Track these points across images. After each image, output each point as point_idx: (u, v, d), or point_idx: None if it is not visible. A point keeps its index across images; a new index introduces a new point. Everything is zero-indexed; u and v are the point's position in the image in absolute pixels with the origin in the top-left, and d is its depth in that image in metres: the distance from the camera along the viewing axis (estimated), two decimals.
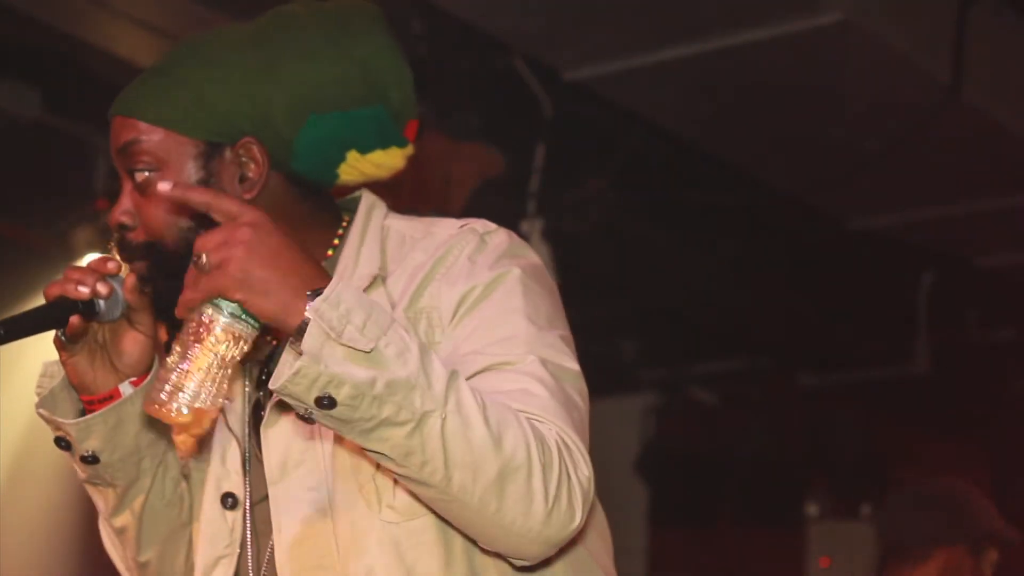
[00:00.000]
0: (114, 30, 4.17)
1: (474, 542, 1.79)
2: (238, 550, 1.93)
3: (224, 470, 1.96)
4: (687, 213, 5.40)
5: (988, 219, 5.80)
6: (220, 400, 1.65)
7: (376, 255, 1.88)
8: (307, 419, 1.63)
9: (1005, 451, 6.38)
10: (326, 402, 1.59)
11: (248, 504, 1.93)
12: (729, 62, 4.57)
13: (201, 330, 1.63)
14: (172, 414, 1.63)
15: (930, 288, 6.29)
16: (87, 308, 1.81)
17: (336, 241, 1.91)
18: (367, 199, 1.95)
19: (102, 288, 1.81)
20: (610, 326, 6.33)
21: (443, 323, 1.80)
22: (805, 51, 4.49)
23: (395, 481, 1.79)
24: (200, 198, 1.67)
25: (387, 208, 1.96)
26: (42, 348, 1.93)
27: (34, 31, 4.13)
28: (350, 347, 1.59)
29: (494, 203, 4.65)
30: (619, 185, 5.00)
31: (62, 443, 1.95)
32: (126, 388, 1.92)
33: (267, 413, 1.87)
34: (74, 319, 1.81)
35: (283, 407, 1.86)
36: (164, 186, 1.69)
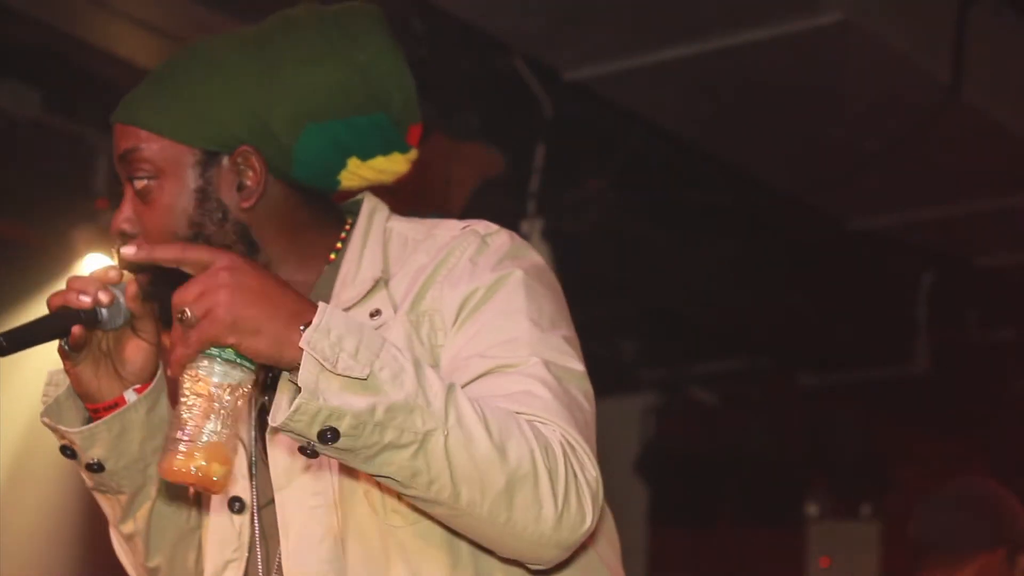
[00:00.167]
0: (114, 30, 4.17)
1: (480, 546, 1.79)
2: (246, 554, 1.94)
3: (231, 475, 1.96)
4: (687, 213, 5.40)
5: (988, 219, 5.80)
6: (235, 452, 1.66)
7: (379, 258, 1.88)
8: (310, 453, 1.62)
9: (1005, 451, 6.37)
10: (329, 436, 1.58)
11: (255, 508, 1.94)
12: (729, 62, 4.57)
13: (200, 385, 1.62)
14: (193, 475, 1.62)
15: (930, 288, 6.29)
16: (89, 317, 1.82)
17: (339, 245, 1.90)
18: (369, 202, 1.95)
19: (104, 297, 1.82)
20: (610, 326, 6.33)
21: (446, 326, 1.80)
22: (805, 51, 4.49)
23: None
24: (167, 255, 1.68)
25: (389, 210, 1.96)
26: (43, 349, 1.93)
27: (34, 31, 4.13)
28: (346, 376, 1.58)
29: (494, 203, 4.65)
30: (619, 185, 5.00)
31: (67, 452, 1.95)
32: (130, 395, 1.92)
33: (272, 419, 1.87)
34: (76, 329, 1.81)
35: None
36: (128, 251, 1.70)
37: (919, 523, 3.60)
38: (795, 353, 6.63)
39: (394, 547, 1.79)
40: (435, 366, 1.76)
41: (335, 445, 1.59)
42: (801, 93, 4.82)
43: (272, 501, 1.89)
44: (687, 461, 7.04)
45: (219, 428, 1.62)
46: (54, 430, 1.94)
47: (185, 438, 1.62)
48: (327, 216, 1.92)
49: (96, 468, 1.94)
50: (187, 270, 1.65)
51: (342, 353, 1.58)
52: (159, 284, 1.84)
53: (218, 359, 1.61)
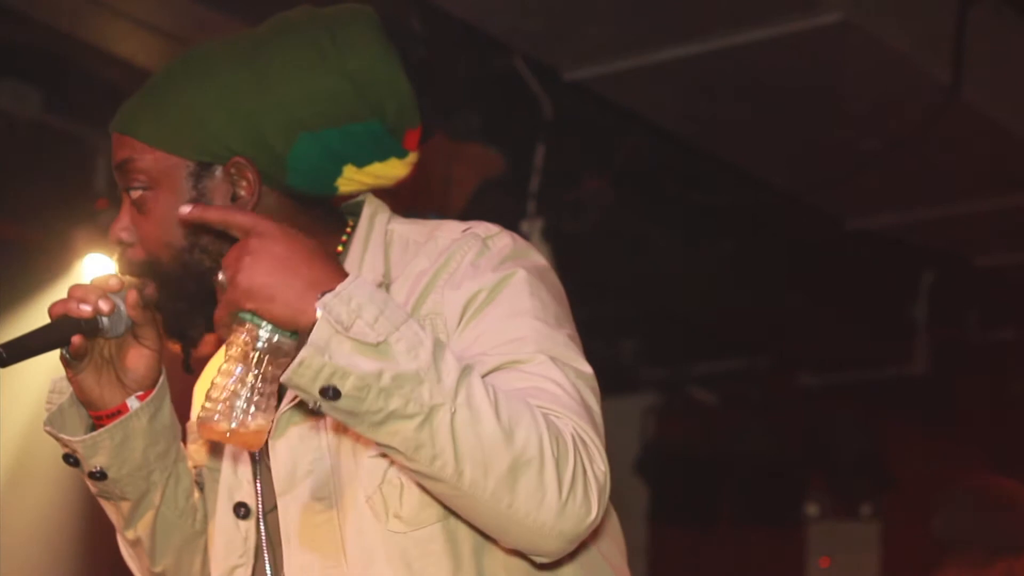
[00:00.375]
0: (114, 30, 4.17)
1: (482, 550, 1.79)
2: (252, 559, 1.94)
3: (236, 480, 1.96)
4: (687, 213, 5.41)
5: (988, 219, 5.80)
6: (271, 413, 1.68)
7: (380, 262, 1.88)
8: (316, 412, 1.63)
9: (1005, 451, 6.37)
10: (331, 393, 1.59)
11: (260, 513, 1.94)
12: (729, 62, 4.56)
13: (240, 348, 1.65)
14: (227, 434, 1.66)
15: (930, 288, 6.29)
16: (90, 326, 1.82)
17: (340, 248, 1.91)
18: (370, 204, 1.95)
19: (104, 305, 1.83)
20: (610, 326, 6.33)
21: (448, 328, 1.79)
22: (805, 51, 4.49)
23: (401, 491, 1.79)
24: (215, 216, 1.70)
25: (390, 212, 1.96)
26: None
27: (34, 31, 4.13)
28: (358, 340, 1.59)
29: (494, 203, 4.65)
30: (619, 185, 5.00)
31: (70, 460, 1.96)
32: (133, 403, 1.93)
33: (275, 424, 1.87)
34: (77, 338, 1.82)
35: (291, 418, 1.86)
36: (184, 210, 1.72)
37: (945, 519, 3.58)
38: (795, 353, 6.63)
39: (396, 552, 1.79)
40: None
41: (338, 405, 1.60)
42: (801, 93, 4.82)
43: (277, 507, 1.89)
44: (687, 461, 7.04)
45: (255, 390, 1.65)
46: (56, 439, 1.95)
47: (223, 398, 1.65)
48: (326, 220, 1.92)
49: (99, 476, 1.95)
50: (232, 233, 1.69)
51: (359, 320, 1.60)
52: (159, 292, 1.85)
53: (256, 324, 1.64)
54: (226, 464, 1.98)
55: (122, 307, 1.85)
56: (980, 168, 5.36)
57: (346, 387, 1.59)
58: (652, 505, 7.11)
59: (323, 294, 1.61)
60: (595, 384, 1.80)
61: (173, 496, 2.02)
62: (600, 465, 1.69)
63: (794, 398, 6.99)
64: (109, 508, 2.04)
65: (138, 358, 1.91)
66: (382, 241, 1.90)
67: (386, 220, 1.93)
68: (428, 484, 1.67)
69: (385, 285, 1.86)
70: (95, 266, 4.40)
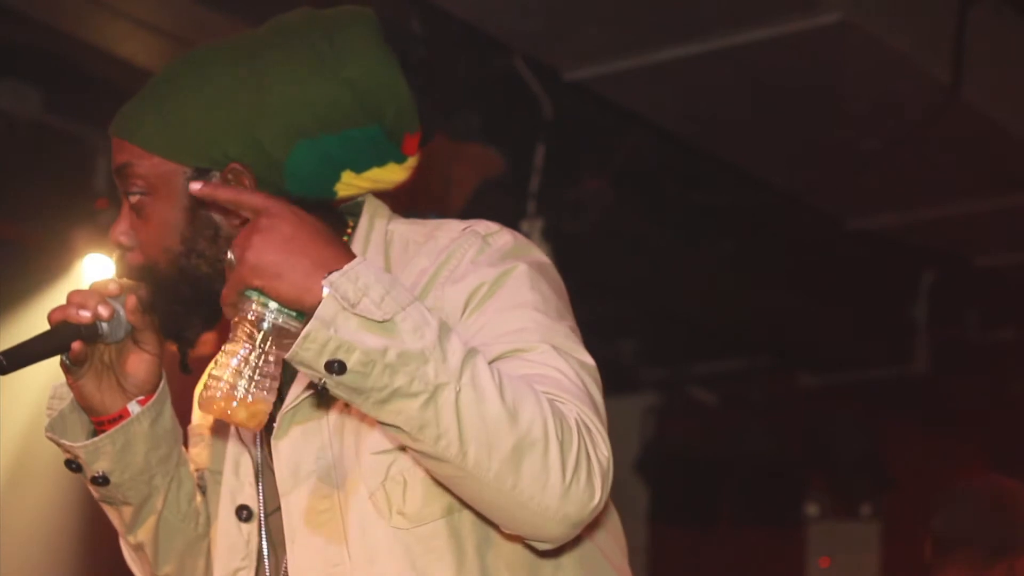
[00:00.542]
0: (114, 30, 4.17)
1: (486, 546, 1.79)
2: (255, 562, 1.94)
3: (238, 482, 1.96)
4: (687, 213, 5.41)
5: (988, 219, 5.80)
6: (272, 394, 1.67)
7: (380, 262, 1.88)
8: (322, 390, 1.63)
9: (1005, 451, 6.37)
10: (336, 367, 1.59)
11: (262, 516, 1.94)
12: (729, 62, 4.56)
13: (245, 327, 1.65)
14: (228, 412, 1.66)
15: (930, 288, 6.29)
16: (89, 332, 1.82)
17: None
18: (370, 205, 1.94)
19: (103, 311, 1.83)
20: (610, 326, 6.33)
21: (450, 324, 1.79)
22: (805, 51, 4.49)
23: (405, 488, 1.79)
24: (225, 196, 1.70)
25: (390, 212, 1.96)
26: None
27: (34, 31, 4.13)
28: (364, 317, 1.59)
29: (494, 203, 4.65)
30: (619, 185, 5.00)
31: (72, 465, 1.97)
32: (134, 408, 1.93)
33: (278, 424, 1.87)
34: (76, 344, 1.82)
35: (293, 418, 1.86)
36: (195, 186, 1.71)
37: (945, 519, 3.55)
38: (795, 353, 6.63)
39: (400, 550, 1.79)
40: None
41: (343, 380, 1.59)
42: (801, 93, 4.82)
43: (279, 509, 1.89)
44: (687, 461, 7.04)
45: (259, 369, 1.66)
46: (58, 445, 1.95)
47: (226, 376, 1.65)
48: (326, 222, 1.92)
49: (101, 481, 1.95)
50: (244, 214, 1.70)
51: (365, 298, 1.60)
52: (158, 296, 1.85)
53: (262, 303, 1.65)
54: (228, 467, 1.98)
55: (121, 312, 1.85)
56: (980, 168, 5.36)
57: (351, 362, 1.59)
58: (652, 505, 7.11)
59: (330, 273, 1.61)
60: (597, 375, 1.80)
61: (175, 500, 2.02)
62: (604, 450, 1.68)
63: (794, 398, 6.99)
64: (112, 513, 2.04)
65: (138, 363, 1.91)
66: (382, 241, 1.90)
67: (386, 221, 1.93)
68: (432, 465, 1.67)
69: None
70: (95, 266, 4.40)
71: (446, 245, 1.84)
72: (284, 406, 1.87)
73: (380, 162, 1.89)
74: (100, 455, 1.93)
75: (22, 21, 4.07)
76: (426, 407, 1.60)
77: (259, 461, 1.94)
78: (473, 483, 1.65)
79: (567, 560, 1.84)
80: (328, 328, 1.58)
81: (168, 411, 1.98)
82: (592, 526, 1.88)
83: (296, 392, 1.86)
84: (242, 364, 1.66)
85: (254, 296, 1.64)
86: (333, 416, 1.85)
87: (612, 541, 1.93)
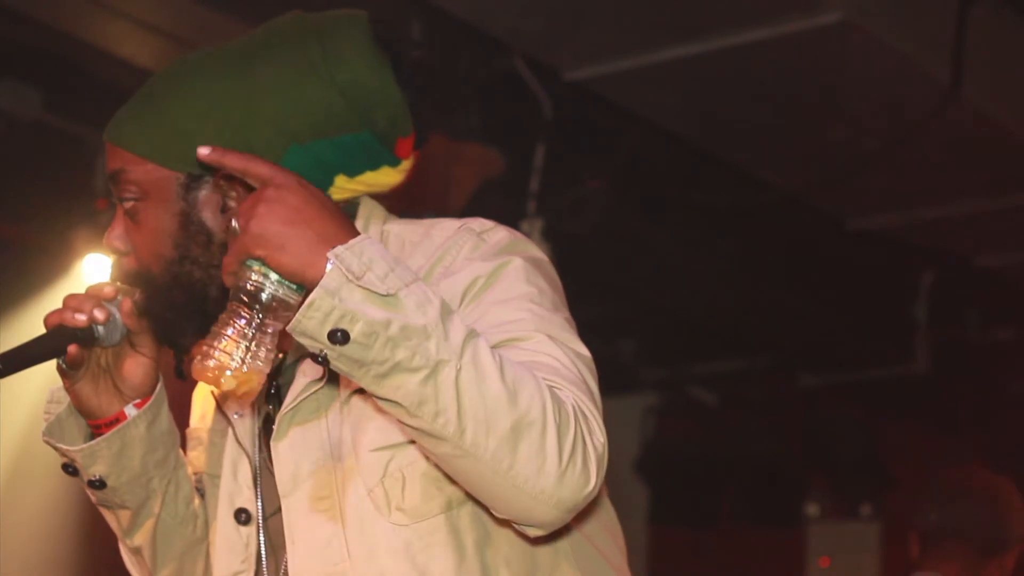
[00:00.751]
0: (114, 30, 4.17)
1: (485, 543, 1.79)
2: (254, 565, 1.95)
3: (236, 485, 1.96)
4: (687, 213, 5.40)
5: (988, 219, 5.80)
6: (267, 366, 1.67)
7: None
8: (322, 361, 1.62)
9: (1004, 451, 6.37)
10: (339, 336, 1.58)
11: (261, 519, 1.94)
12: (729, 62, 4.57)
13: (243, 296, 1.65)
14: (222, 381, 1.65)
15: (930, 288, 6.29)
16: (85, 335, 1.83)
17: None
18: (365, 207, 1.94)
19: (99, 314, 1.83)
20: (610, 326, 6.33)
21: None
22: (805, 51, 4.49)
23: (403, 484, 1.79)
24: (234, 163, 1.69)
25: (385, 212, 1.96)
26: None
27: (34, 31, 4.13)
28: (369, 290, 1.59)
29: (494, 203, 4.65)
30: (619, 185, 5.00)
31: (69, 469, 1.97)
32: (131, 411, 1.93)
33: (277, 426, 1.87)
34: (73, 348, 1.82)
35: (292, 419, 1.86)
36: (203, 151, 1.70)
37: (936, 513, 3.52)
38: (795, 353, 6.63)
39: (400, 546, 1.79)
40: None
41: (344, 351, 1.59)
42: (801, 93, 4.82)
43: (278, 511, 1.89)
44: (687, 461, 7.03)
45: (254, 340, 1.65)
46: (55, 449, 1.95)
47: (221, 344, 1.65)
48: None
49: (98, 485, 1.95)
50: (250, 182, 1.69)
51: (369, 272, 1.61)
52: (152, 302, 1.85)
53: (266, 275, 1.64)
54: (226, 470, 1.99)
55: (117, 315, 1.85)
56: (980, 168, 5.36)
57: (355, 332, 1.58)
58: (652, 505, 7.11)
59: (335, 247, 1.61)
60: (593, 366, 1.80)
61: (173, 503, 2.02)
62: (599, 436, 1.69)
63: (794, 398, 6.98)
64: (110, 517, 2.04)
65: (135, 366, 1.92)
66: (392, 254, 1.90)
67: (381, 221, 1.93)
68: (428, 443, 1.66)
69: None
70: (95, 266, 4.40)
71: (441, 243, 1.85)
72: (283, 408, 1.87)
73: (373, 166, 1.89)
74: (97, 459, 1.93)
75: (22, 21, 4.07)
76: (426, 383, 1.60)
77: (257, 464, 1.94)
78: (469, 462, 1.64)
79: (564, 558, 1.84)
80: (333, 297, 1.58)
81: (165, 414, 1.98)
82: (590, 524, 1.89)
83: (295, 393, 1.86)
84: (238, 334, 1.65)
85: (255, 266, 1.64)
86: (332, 416, 1.85)
87: (610, 539, 1.93)
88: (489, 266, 1.81)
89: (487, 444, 1.62)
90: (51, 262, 4.47)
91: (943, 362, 6.40)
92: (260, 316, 1.65)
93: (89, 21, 4.13)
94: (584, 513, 1.88)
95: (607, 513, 1.95)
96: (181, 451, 2.05)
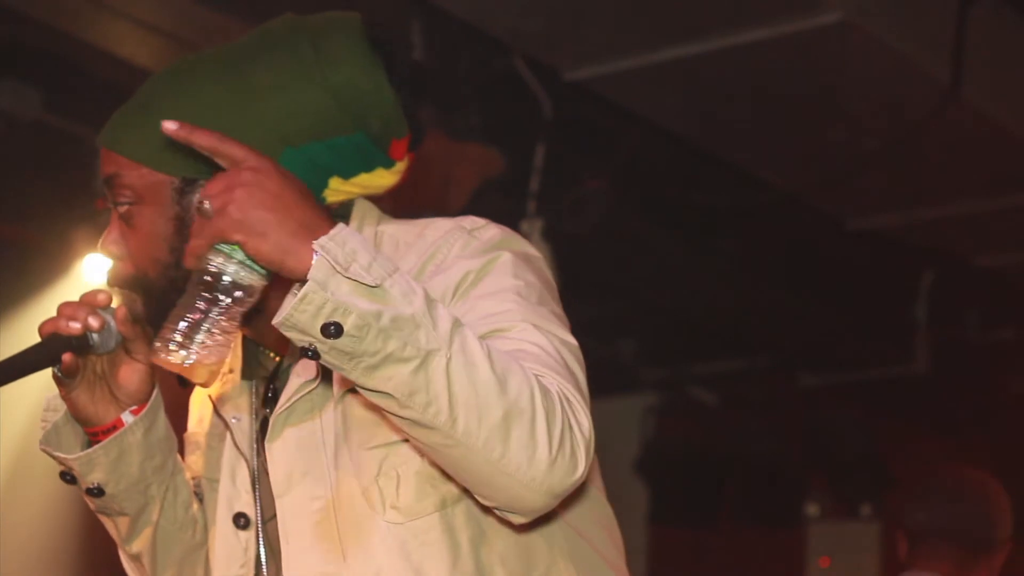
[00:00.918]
0: (114, 30, 4.17)
1: (480, 541, 1.79)
2: (253, 569, 1.95)
3: (235, 490, 1.96)
4: (687, 213, 5.41)
5: (988, 219, 5.81)
6: (227, 352, 1.64)
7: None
8: (312, 355, 1.60)
9: (1005, 451, 6.37)
10: (332, 329, 1.56)
11: (260, 523, 1.94)
12: (729, 62, 4.57)
13: (208, 279, 1.61)
14: (183, 364, 1.61)
15: (930, 288, 6.29)
16: (80, 343, 1.82)
17: None
18: (359, 208, 1.94)
19: (94, 322, 1.82)
20: (610, 326, 6.33)
21: None
22: (805, 51, 4.49)
23: (398, 482, 1.79)
24: (204, 141, 1.64)
25: (380, 213, 1.96)
26: None
27: (34, 31, 4.13)
28: (356, 281, 1.57)
29: (494, 203, 4.65)
30: (619, 185, 5.00)
31: (67, 477, 1.97)
32: (128, 418, 1.93)
33: (271, 427, 1.87)
34: (67, 356, 1.82)
35: (287, 420, 1.86)
36: (170, 126, 1.65)
37: (925, 512, 3.51)
38: (795, 353, 6.63)
39: (394, 544, 1.79)
40: None
41: (337, 344, 1.57)
42: (801, 93, 4.82)
43: (276, 515, 1.89)
44: (687, 461, 7.03)
45: (217, 324, 1.61)
46: (53, 457, 1.95)
47: (182, 328, 1.61)
48: None
49: (96, 492, 1.95)
50: (220, 163, 1.65)
51: (354, 263, 1.58)
52: (148, 306, 1.85)
53: (230, 257, 1.60)
54: (224, 475, 1.98)
55: (112, 323, 1.85)
56: (980, 168, 5.36)
57: (348, 324, 1.56)
58: (652, 505, 7.11)
59: (318, 236, 1.58)
60: (580, 355, 1.80)
61: (172, 508, 2.02)
62: (585, 422, 1.68)
63: (794, 398, 6.98)
64: (108, 524, 2.04)
65: (130, 373, 1.91)
66: (372, 243, 1.90)
67: (375, 222, 1.93)
68: (419, 433, 1.65)
69: None
70: (95, 266, 4.40)
71: (433, 241, 1.85)
72: (277, 408, 1.87)
73: (368, 168, 1.89)
74: (94, 466, 1.93)
75: (22, 21, 4.07)
76: (417, 373, 1.59)
77: (255, 468, 1.94)
78: (460, 451, 1.63)
79: (560, 555, 1.84)
80: (324, 290, 1.56)
81: (162, 420, 1.98)
82: (586, 521, 1.89)
83: (288, 394, 1.86)
84: (200, 318, 1.61)
85: (225, 250, 1.60)
86: (327, 416, 1.85)
87: (606, 536, 1.93)
88: (479, 261, 1.81)
89: (479, 433, 1.61)
90: (51, 262, 4.47)
91: (943, 362, 6.40)
92: (224, 301, 1.61)
93: (89, 21, 4.13)
94: (580, 511, 1.88)
95: (603, 511, 1.95)
96: (179, 456, 2.05)
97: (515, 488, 1.65)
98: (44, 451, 1.95)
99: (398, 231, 1.91)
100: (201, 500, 2.06)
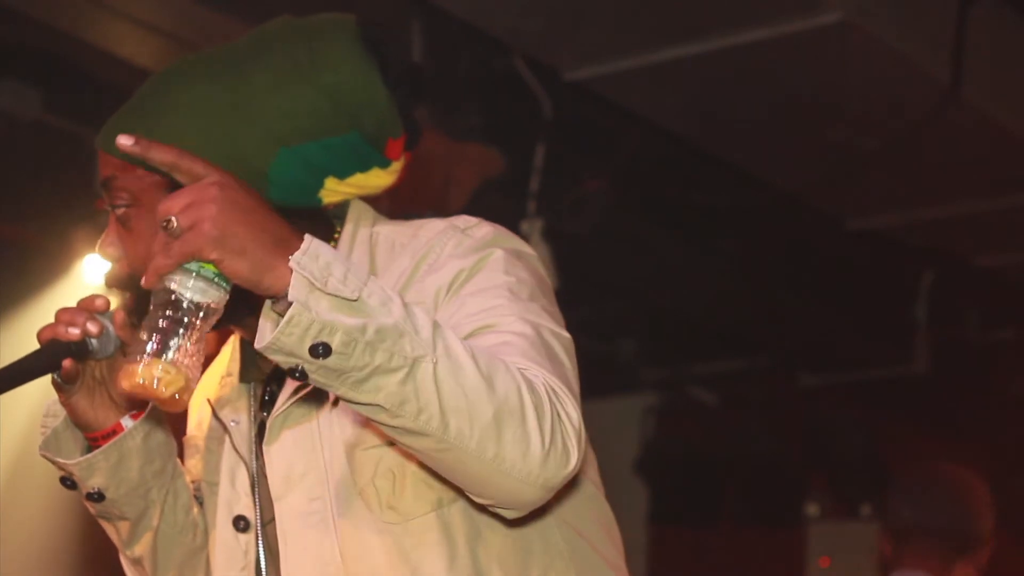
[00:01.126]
0: (114, 30, 4.17)
1: (477, 540, 1.79)
2: (254, 572, 1.95)
3: (234, 493, 1.97)
4: (687, 213, 5.40)
5: (988, 219, 5.80)
6: (197, 371, 1.59)
7: (365, 266, 1.88)
8: (299, 376, 1.58)
9: (1005, 451, 6.37)
10: (321, 350, 1.54)
11: (259, 526, 1.94)
12: (729, 62, 4.56)
13: (173, 299, 1.56)
14: (154, 388, 1.56)
15: (930, 288, 6.29)
16: (79, 349, 1.82)
17: None
18: (355, 209, 1.95)
19: (92, 327, 1.82)
20: (610, 326, 6.33)
21: (430, 313, 1.79)
22: (805, 51, 4.49)
23: (394, 482, 1.80)
24: (162, 157, 1.61)
25: (375, 214, 1.96)
26: None
27: (34, 31, 4.13)
28: (335, 296, 1.55)
29: (494, 203, 4.65)
30: (619, 185, 5.00)
31: (67, 482, 1.97)
32: (127, 422, 1.93)
33: (268, 430, 1.87)
34: (67, 362, 1.81)
35: (284, 422, 1.86)
36: (124, 141, 1.61)
37: (910, 509, 3.51)
38: (795, 353, 6.63)
39: (391, 545, 1.80)
40: None
41: (326, 364, 1.55)
42: (801, 93, 4.82)
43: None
44: (687, 461, 7.03)
45: (185, 345, 1.56)
46: (53, 463, 1.95)
47: (150, 351, 1.56)
48: (313, 229, 1.92)
49: (96, 497, 1.95)
50: (179, 178, 1.61)
51: (331, 277, 1.55)
52: (144, 307, 1.85)
53: (195, 274, 1.56)
54: (224, 478, 1.99)
55: (110, 328, 1.85)
56: (980, 168, 5.36)
57: (335, 343, 1.54)
58: (652, 505, 7.10)
59: (292, 251, 1.56)
60: (571, 348, 1.80)
61: (172, 512, 2.02)
62: (573, 413, 1.68)
63: (794, 398, 6.98)
64: (109, 529, 2.05)
65: None
66: (367, 244, 1.91)
67: (371, 223, 1.94)
68: (410, 440, 1.64)
69: None
70: (95, 266, 4.40)
71: (427, 241, 1.85)
72: (273, 412, 1.87)
73: (363, 168, 1.89)
74: (94, 471, 1.93)
75: (22, 21, 4.07)
76: (405, 382, 1.58)
77: (255, 471, 1.94)
78: (454, 454, 1.63)
79: (559, 555, 1.84)
80: (308, 310, 1.53)
81: (161, 424, 1.98)
82: (584, 520, 1.89)
83: (285, 397, 1.87)
84: (167, 338, 1.56)
85: (192, 268, 1.55)
86: (323, 417, 1.85)
87: (605, 536, 1.93)
88: (471, 260, 1.81)
89: (471, 434, 1.61)
90: (51, 262, 4.46)
91: (943, 362, 6.40)
92: (190, 320, 1.56)
93: (89, 21, 4.13)
94: (579, 510, 1.88)
95: (602, 510, 1.95)
96: (179, 460, 2.05)
97: (510, 485, 1.64)
98: (44, 457, 1.95)
99: (393, 232, 1.91)
100: (201, 503, 2.06)
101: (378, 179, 1.92)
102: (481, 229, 1.87)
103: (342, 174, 1.88)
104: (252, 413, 1.97)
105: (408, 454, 1.78)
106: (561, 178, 4.84)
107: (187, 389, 1.58)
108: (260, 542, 1.95)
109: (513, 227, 1.93)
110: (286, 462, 1.86)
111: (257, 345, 1.58)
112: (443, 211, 4.33)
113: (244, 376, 1.98)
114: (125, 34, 4.16)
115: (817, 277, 5.94)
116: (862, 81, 4.72)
